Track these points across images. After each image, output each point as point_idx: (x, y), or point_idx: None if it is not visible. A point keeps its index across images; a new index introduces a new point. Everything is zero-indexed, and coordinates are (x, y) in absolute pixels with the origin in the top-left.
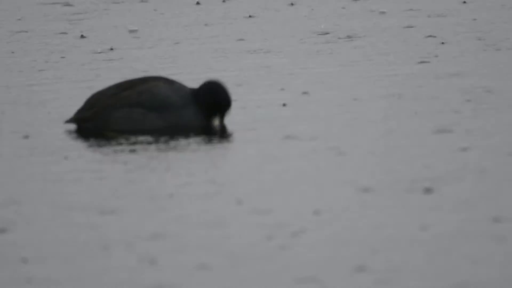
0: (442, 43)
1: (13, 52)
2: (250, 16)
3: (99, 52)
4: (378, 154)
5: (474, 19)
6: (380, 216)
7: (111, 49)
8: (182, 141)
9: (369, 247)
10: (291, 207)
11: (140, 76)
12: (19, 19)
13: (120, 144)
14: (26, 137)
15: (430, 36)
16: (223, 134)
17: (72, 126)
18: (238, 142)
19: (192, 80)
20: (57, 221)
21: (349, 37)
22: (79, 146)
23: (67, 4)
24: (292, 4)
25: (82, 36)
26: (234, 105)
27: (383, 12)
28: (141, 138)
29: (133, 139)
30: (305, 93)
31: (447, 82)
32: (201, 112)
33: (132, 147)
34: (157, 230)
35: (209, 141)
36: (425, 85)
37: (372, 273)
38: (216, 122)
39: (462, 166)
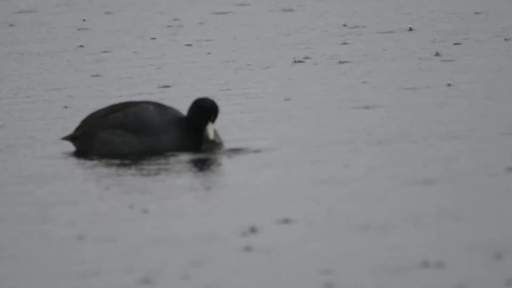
0: None
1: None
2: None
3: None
4: None
5: None
6: None
7: None
8: (161, 165)
9: None
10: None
11: (135, 100)
12: None
13: (101, 166)
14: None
15: None
16: (212, 148)
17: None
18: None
19: None
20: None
21: None
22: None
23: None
24: None
25: None
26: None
27: None
28: (121, 161)
29: (113, 162)
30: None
31: None
32: (184, 136)
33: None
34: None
35: (192, 166)
36: None
37: None
38: (208, 132)
39: None
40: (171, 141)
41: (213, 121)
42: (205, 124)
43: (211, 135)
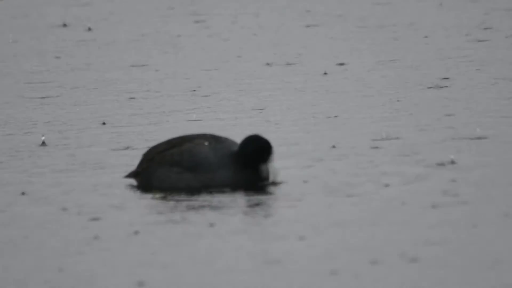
0: None
1: None
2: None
3: None
4: None
5: None
6: None
7: None
8: (218, 200)
9: None
10: None
11: (192, 133)
12: None
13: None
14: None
15: None
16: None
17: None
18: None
19: None
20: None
21: None
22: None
23: None
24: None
25: None
26: None
27: None
28: (181, 198)
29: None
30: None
31: None
32: (238, 172)
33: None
34: None
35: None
36: None
37: None
38: (266, 171)
39: None
40: (226, 178)
41: (267, 161)
42: (261, 162)
43: (272, 175)
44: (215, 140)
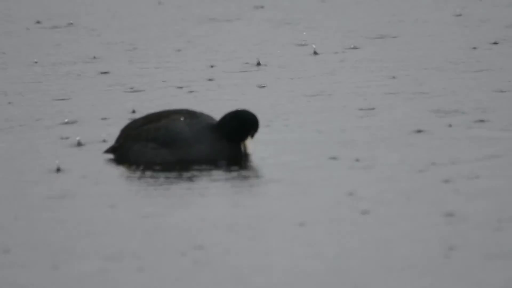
0: None
1: None
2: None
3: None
4: None
5: None
6: None
7: None
8: (195, 174)
9: None
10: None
11: (168, 109)
12: None
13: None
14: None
15: None
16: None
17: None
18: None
19: None
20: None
21: None
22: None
23: None
24: None
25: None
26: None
27: None
28: (155, 172)
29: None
30: None
31: None
32: (215, 146)
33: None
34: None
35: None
36: None
37: None
38: (248, 147)
39: None
40: (203, 151)
41: (253, 136)
42: (244, 138)
43: (251, 149)
44: (190, 115)
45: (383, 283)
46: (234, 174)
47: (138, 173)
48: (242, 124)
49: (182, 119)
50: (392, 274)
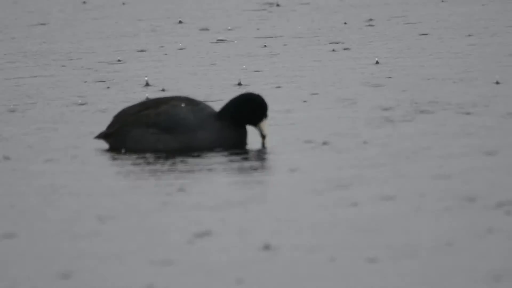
0: None
1: None
2: None
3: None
4: None
5: None
6: None
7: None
8: (197, 161)
9: None
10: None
11: (166, 96)
12: None
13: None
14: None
15: None
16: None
17: (102, 142)
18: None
19: None
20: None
21: None
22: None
23: None
24: None
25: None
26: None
27: None
28: (152, 158)
29: (144, 159)
30: None
31: None
32: (221, 132)
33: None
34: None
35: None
36: None
37: None
38: (264, 128)
39: None
40: (208, 138)
41: (266, 117)
42: (258, 121)
43: (267, 131)
44: (190, 102)
45: None
46: (248, 163)
47: (138, 159)
48: (255, 107)
49: (183, 105)
50: None
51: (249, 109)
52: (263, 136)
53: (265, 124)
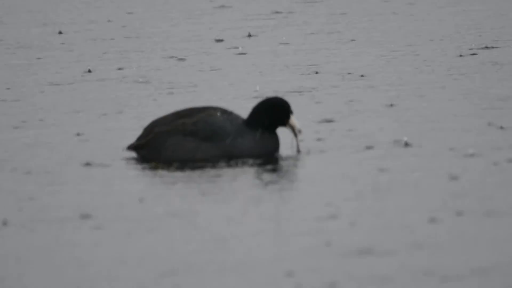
0: None
1: None
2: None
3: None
4: None
5: None
6: None
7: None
8: (238, 170)
9: None
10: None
11: (199, 106)
12: None
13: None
14: (88, 164)
15: None
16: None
17: (132, 153)
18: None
19: None
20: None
21: None
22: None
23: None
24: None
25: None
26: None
27: None
28: (190, 168)
29: (182, 169)
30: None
31: None
32: (257, 140)
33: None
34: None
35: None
36: None
37: None
38: (295, 123)
39: None
40: (248, 145)
41: (292, 113)
42: (287, 119)
43: (299, 125)
44: (224, 111)
45: None
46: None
47: (175, 169)
48: (278, 108)
49: (218, 114)
50: None
51: (274, 112)
52: (298, 132)
53: (294, 120)
